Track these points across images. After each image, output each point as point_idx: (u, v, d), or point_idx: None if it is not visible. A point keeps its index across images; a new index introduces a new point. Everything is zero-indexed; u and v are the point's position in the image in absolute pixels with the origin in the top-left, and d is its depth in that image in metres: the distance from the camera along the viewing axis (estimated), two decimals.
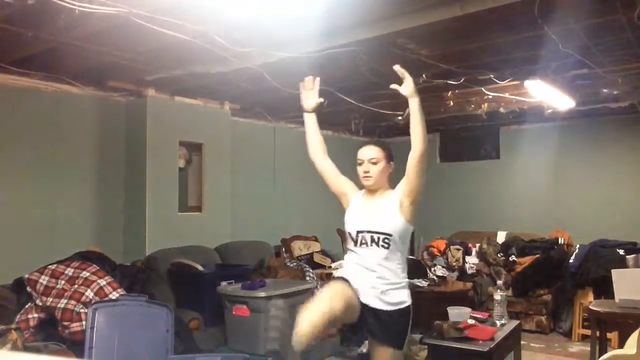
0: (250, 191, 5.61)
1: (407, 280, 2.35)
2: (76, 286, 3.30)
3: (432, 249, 5.90)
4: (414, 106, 2.21)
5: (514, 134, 6.64)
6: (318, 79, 2.48)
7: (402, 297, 2.30)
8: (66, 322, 3.15)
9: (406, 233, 2.30)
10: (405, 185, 2.28)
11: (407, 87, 2.22)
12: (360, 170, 2.38)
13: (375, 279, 2.27)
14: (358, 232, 2.31)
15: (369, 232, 2.28)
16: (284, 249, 5.47)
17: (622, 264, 4.61)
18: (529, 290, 5.28)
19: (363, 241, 2.30)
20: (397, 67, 2.22)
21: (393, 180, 2.42)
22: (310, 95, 2.47)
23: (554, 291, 5.27)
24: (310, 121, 2.50)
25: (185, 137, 4.72)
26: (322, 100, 2.48)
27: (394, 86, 2.25)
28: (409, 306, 2.31)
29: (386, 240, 2.25)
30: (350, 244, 2.37)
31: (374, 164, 2.35)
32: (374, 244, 2.27)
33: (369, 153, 2.36)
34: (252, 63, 3.38)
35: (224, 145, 5.06)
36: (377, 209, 2.32)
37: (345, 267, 2.41)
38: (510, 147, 6.71)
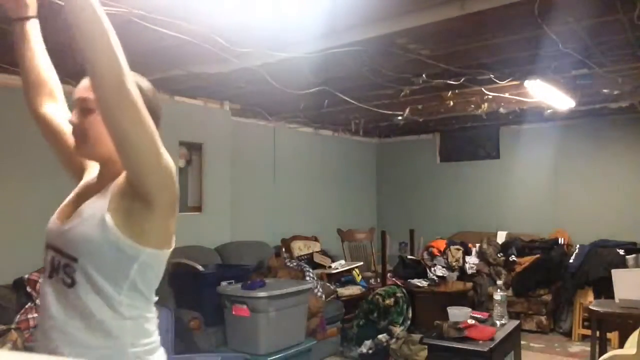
0: (250, 191, 5.61)
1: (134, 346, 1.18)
2: None
3: (432, 249, 5.90)
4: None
5: (514, 134, 6.63)
6: None
7: None
8: None
9: (120, 256, 1.15)
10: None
11: None
12: None
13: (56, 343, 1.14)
14: (46, 246, 1.25)
15: (55, 249, 1.21)
16: (284, 249, 5.48)
17: (622, 264, 4.62)
18: (529, 290, 5.28)
19: (49, 267, 1.21)
20: None
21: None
22: None
23: (554, 291, 5.27)
24: (27, 30, 1.41)
25: (185, 137, 4.72)
26: None
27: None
28: None
29: (68, 270, 1.15)
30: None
31: (90, 111, 1.22)
32: (54, 275, 1.18)
33: (82, 89, 1.27)
34: (252, 64, 3.37)
35: (224, 145, 5.06)
36: (84, 206, 1.23)
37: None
38: (510, 147, 6.71)
